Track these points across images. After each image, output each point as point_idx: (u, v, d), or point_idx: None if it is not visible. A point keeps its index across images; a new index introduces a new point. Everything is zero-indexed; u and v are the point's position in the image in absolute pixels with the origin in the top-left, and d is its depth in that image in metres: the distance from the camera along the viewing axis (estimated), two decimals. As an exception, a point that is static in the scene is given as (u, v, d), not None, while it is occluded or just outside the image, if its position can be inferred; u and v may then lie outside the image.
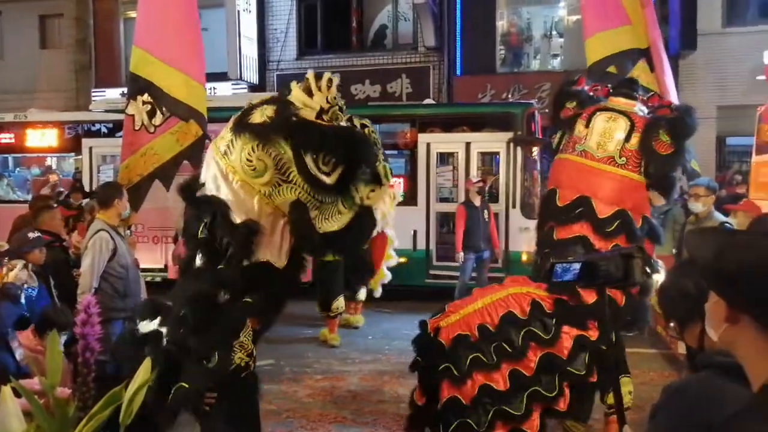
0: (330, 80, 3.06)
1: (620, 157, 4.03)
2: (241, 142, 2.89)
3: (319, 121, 2.95)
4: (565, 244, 4.05)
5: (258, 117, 2.87)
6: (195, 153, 5.69)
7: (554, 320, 3.90)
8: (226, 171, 2.94)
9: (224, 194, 2.97)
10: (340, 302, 8.35)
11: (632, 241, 3.90)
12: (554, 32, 16.07)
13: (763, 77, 9.25)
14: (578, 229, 4.03)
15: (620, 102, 4.29)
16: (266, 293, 3.05)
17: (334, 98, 3.08)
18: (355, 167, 2.91)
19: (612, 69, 4.98)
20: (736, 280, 1.37)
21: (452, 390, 3.80)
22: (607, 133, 4.10)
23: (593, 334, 3.88)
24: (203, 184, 3.07)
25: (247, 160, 2.85)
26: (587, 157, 4.07)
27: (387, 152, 11.60)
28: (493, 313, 3.94)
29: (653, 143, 4.02)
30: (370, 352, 7.79)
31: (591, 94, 4.41)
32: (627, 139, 4.08)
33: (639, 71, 4.93)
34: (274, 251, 2.99)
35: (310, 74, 3.09)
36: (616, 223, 4.01)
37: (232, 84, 15.99)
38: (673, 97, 5.10)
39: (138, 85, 5.59)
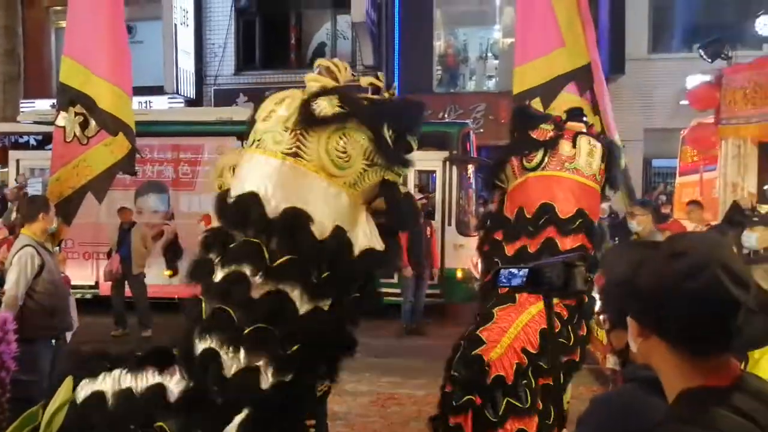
0: (346, 66, 2.88)
1: (599, 175, 4.27)
2: (322, 136, 2.58)
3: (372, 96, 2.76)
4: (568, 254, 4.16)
5: (328, 109, 2.59)
6: (129, 165, 5.58)
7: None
8: (307, 172, 2.58)
9: (303, 201, 2.54)
10: None
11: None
12: (489, 54, 16.48)
13: (686, 102, 9.70)
14: (578, 240, 4.13)
15: (580, 127, 4.45)
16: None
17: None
18: (411, 135, 2.73)
19: (536, 101, 5.06)
20: (644, 300, 1.41)
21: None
22: (591, 153, 4.32)
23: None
24: (254, 200, 2.54)
25: (340, 152, 2.57)
26: (579, 174, 4.26)
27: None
28: (530, 334, 3.78)
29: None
30: None
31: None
32: (602, 160, 4.36)
33: (562, 101, 5.02)
34: (372, 240, 2.68)
35: (323, 61, 2.92)
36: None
37: (169, 98, 15.74)
38: (610, 116, 5.29)
39: (68, 96, 5.45)
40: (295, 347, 2.45)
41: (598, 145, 4.31)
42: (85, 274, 10.42)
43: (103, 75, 5.34)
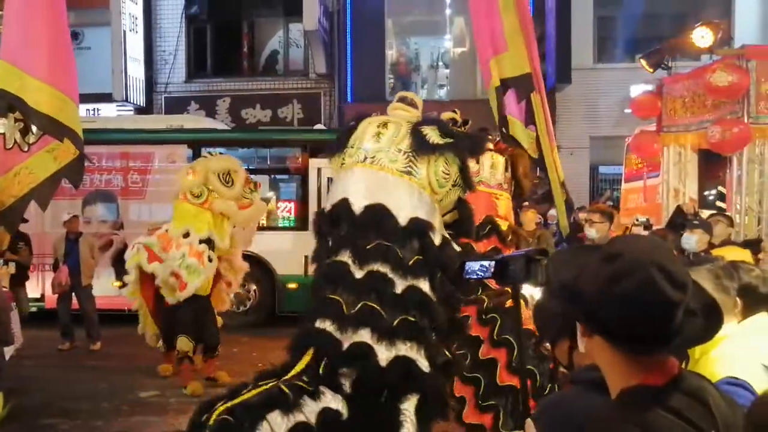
0: (420, 98, 3.45)
1: (505, 183, 4.82)
2: (431, 160, 3.06)
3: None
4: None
5: (435, 137, 3.08)
6: (74, 172, 5.46)
7: None
8: (419, 189, 3.07)
9: (421, 212, 3.03)
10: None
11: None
12: (440, 63, 16.68)
13: (630, 110, 9.99)
14: (491, 243, 4.72)
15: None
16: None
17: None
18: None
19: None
20: (584, 302, 1.46)
21: None
22: (493, 166, 4.87)
23: None
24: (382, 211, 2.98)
25: (443, 175, 3.08)
26: (485, 185, 4.74)
27: (277, 177, 11.64)
28: None
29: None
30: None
31: None
32: (506, 169, 4.94)
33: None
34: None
35: (406, 93, 3.43)
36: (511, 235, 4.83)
37: (117, 105, 15.47)
38: (550, 124, 5.49)
39: (6, 102, 5.29)
40: (439, 334, 2.90)
41: (501, 158, 4.91)
42: (29, 286, 10.16)
43: (43, 78, 5.19)
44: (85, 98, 14.46)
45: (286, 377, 2.83)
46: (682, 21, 12.62)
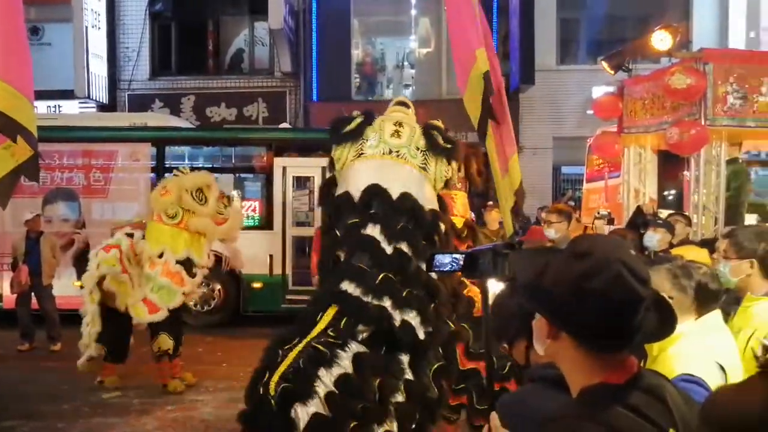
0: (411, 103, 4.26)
1: (458, 182, 4.87)
2: (438, 159, 3.75)
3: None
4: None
5: (441, 141, 3.80)
6: (30, 170, 5.35)
7: None
8: (430, 183, 3.74)
9: (434, 205, 3.71)
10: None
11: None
12: (406, 63, 16.75)
13: (592, 111, 10.14)
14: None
15: None
16: None
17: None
18: None
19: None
20: (552, 300, 1.49)
21: None
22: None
23: None
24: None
25: (444, 173, 3.75)
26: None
27: (242, 176, 11.57)
28: None
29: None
30: (224, 379, 7.60)
31: None
32: (459, 169, 5.15)
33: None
34: None
35: (403, 98, 4.28)
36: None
37: (80, 103, 15.19)
38: (509, 124, 5.61)
39: None
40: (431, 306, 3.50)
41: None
42: (-13, 286, 9.95)
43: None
44: (47, 95, 14.30)
45: (313, 335, 3.27)
46: (642, 24, 12.88)
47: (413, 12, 16.42)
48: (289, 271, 10.51)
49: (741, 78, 7.07)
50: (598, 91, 11.65)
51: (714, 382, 2.52)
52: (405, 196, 3.59)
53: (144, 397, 6.98)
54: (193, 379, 7.36)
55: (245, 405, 3.21)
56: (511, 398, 2.05)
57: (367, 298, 3.38)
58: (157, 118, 13.13)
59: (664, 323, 1.55)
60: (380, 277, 3.40)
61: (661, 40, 7.66)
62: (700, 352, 2.64)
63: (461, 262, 2.06)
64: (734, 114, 7.12)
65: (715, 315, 2.92)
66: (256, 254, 10.07)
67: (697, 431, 1.31)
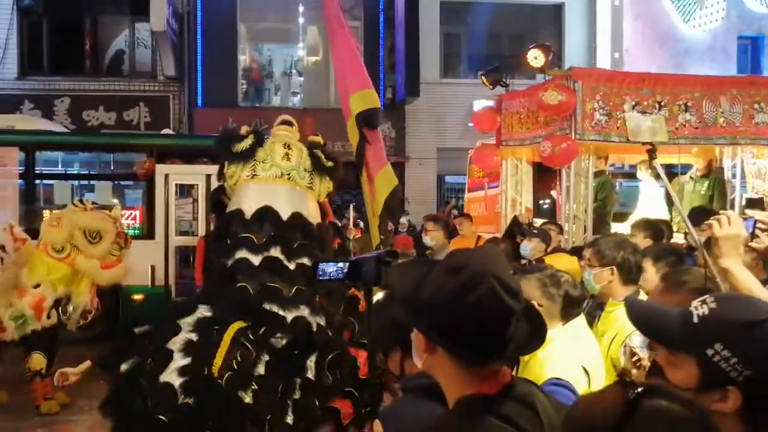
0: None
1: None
2: (322, 178, 4.27)
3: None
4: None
5: (324, 161, 4.33)
6: None
7: None
8: (311, 197, 4.23)
9: (318, 219, 4.19)
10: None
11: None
12: (294, 71, 16.71)
13: (472, 124, 10.51)
14: None
15: None
16: None
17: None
18: None
19: None
20: (428, 315, 1.52)
21: None
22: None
23: None
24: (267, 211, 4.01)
25: (328, 190, 4.32)
26: None
27: (122, 183, 11.12)
28: None
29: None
30: (101, 397, 7.22)
31: None
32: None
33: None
34: None
35: (287, 117, 4.48)
36: None
37: (-63, 102, 14.07)
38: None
39: None
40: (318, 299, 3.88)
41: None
42: None
43: None
44: None
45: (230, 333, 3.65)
46: (519, 41, 13.54)
47: (301, 20, 16.43)
48: (172, 281, 10.19)
49: (606, 96, 7.57)
50: (479, 105, 12.10)
51: (579, 384, 2.71)
52: (295, 215, 4.05)
53: (13, 420, 6.53)
54: (66, 399, 6.96)
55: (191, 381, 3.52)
56: (390, 409, 2.09)
57: (285, 311, 3.77)
58: (26, 120, 12.34)
59: (535, 333, 1.63)
60: (294, 290, 3.84)
61: (534, 57, 8.08)
62: (566, 356, 2.80)
63: (345, 271, 2.10)
64: (600, 129, 7.60)
65: (580, 320, 3.14)
66: (137, 265, 9.67)
67: None
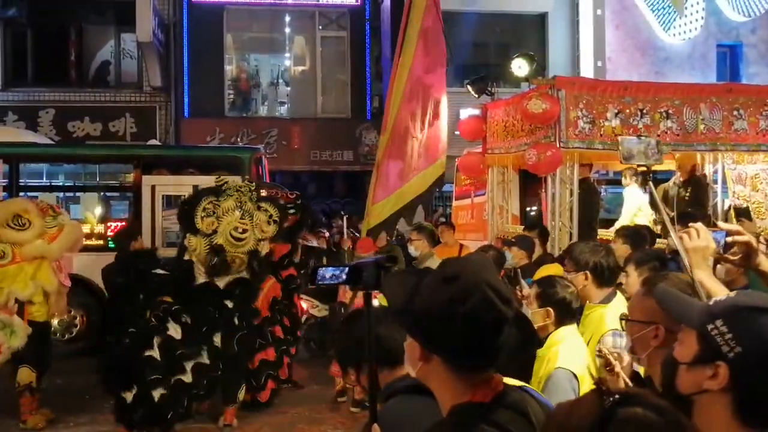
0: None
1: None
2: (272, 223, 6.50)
3: None
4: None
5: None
6: None
7: None
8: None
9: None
10: None
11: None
12: (281, 81, 16.75)
13: (458, 132, 10.58)
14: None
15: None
16: None
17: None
18: None
19: None
20: (424, 324, 1.53)
21: None
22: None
23: None
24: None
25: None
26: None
27: (108, 194, 11.08)
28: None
29: None
30: (86, 413, 7.05)
31: None
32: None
33: None
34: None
35: (224, 177, 6.73)
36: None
37: None
38: None
39: None
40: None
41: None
42: None
43: None
44: None
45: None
46: (504, 51, 13.65)
47: (287, 30, 16.48)
48: (158, 292, 10.14)
49: (589, 104, 7.67)
50: (465, 113, 12.18)
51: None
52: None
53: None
54: (51, 415, 6.86)
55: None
56: (385, 411, 2.11)
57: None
58: (10, 132, 12.26)
59: (526, 340, 1.65)
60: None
61: (519, 67, 8.18)
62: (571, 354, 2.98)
63: (344, 275, 2.12)
64: (584, 137, 7.69)
65: (569, 328, 3.24)
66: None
67: None
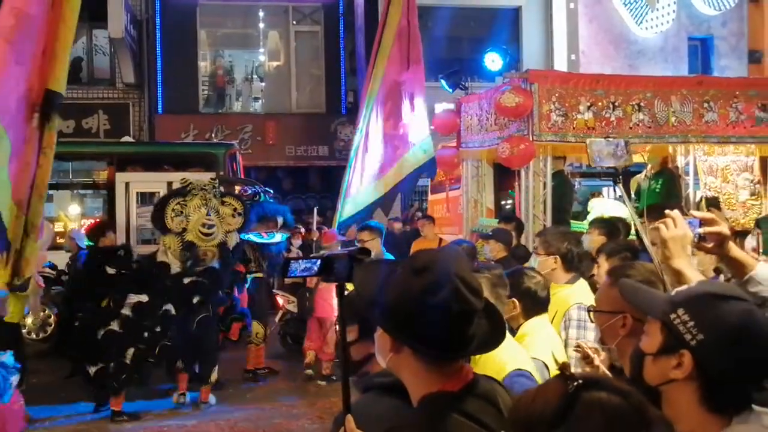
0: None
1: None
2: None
3: None
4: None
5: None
6: None
7: None
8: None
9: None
10: None
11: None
12: (255, 76, 16.66)
13: (433, 127, 10.60)
14: None
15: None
16: None
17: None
18: None
19: None
20: (394, 315, 1.56)
21: None
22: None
23: None
24: None
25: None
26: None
27: (81, 192, 10.98)
28: None
29: None
30: (61, 416, 7.05)
31: None
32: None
33: None
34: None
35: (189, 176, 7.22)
36: None
37: None
38: None
39: None
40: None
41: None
42: None
43: None
44: None
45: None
46: (478, 45, 13.70)
47: (261, 25, 16.39)
48: (133, 290, 10.08)
49: (561, 97, 7.73)
50: (440, 108, 12.20)
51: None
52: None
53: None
54: (27, 414, 6.77)
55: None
56: (355, 406, 2.13)
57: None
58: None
59: (495, 330, 1.67)
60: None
61: (492, 61, 8.23)
62: (520, 350, 2.93)
63: (316, 268, 2.14)
64: (557, 130, 7.76)
65: (541, 318, 3.26)
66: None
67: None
